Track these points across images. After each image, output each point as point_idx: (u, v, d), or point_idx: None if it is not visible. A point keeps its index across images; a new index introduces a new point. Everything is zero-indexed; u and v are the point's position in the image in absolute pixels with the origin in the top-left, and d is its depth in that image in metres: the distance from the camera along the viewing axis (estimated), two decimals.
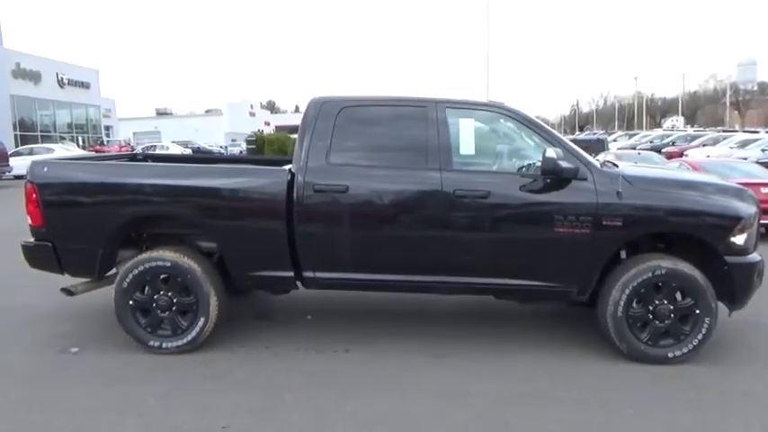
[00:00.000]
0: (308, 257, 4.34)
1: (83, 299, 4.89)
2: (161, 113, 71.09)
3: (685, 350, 4.20)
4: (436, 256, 4.27)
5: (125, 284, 4.35)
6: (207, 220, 4.34)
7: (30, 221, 4.45)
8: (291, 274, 4.38)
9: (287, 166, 4.43)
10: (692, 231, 4.23)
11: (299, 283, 4.50)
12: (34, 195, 4.35)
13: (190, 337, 4.38)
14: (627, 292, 4.17)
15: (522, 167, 4.40)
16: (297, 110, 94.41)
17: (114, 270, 4.69)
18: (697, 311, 4.16)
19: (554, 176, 4.07)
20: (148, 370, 4.13)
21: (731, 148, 21.97)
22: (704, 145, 25.82)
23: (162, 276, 4.36)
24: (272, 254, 4.36)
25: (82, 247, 4.41)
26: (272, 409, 3.60)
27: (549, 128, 4.39)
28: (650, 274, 4.16)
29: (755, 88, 71.63)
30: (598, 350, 4.45)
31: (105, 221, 4.35)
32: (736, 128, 43.54)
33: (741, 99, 68.27)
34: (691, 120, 71.69)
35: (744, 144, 21.75)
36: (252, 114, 66.94)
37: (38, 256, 4.48)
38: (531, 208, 4.21)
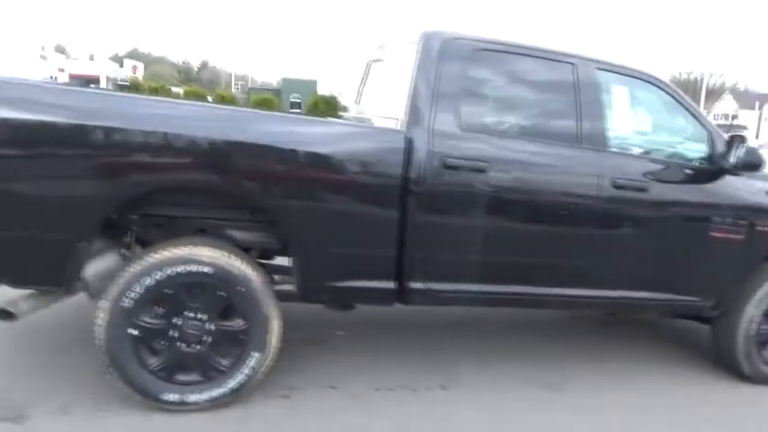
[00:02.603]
0: (421, 262, 3.00)
1: (26, 324, 2.86)
2: None
3: None
4: (580, 264, 3.27)
5: (126, 302, 2.57)
6: (276, 199, 2.74)
7: None
8: (394, 284, 3.00)
9: (394, 126, 3.01)
10: None
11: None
12: None
13: (234, 384, 2.77)
14: (763, 307, 3.64)
15: (683, 155, 3.56)
16: (91, 58, 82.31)
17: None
18: None
19: (749, 170, 3.35)
20: None
21: None
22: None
23: (191, 289, 2.68)
24: (372, 255, 2.93)
25: (47, 237, 2.49)
26: None
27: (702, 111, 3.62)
28: None
29: None
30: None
31: (102, 192, 2.51)
32: None
33: None
34: None
35: None
36: (43, 57, 56.30)
37: None
38: (693, 206, 3.43)
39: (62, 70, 53.26)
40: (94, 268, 2.71)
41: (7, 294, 2.61)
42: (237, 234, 2.96)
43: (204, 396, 2.74)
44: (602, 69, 3.33)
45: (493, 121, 3.19)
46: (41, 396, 2.77)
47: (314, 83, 29.98)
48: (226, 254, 2.71)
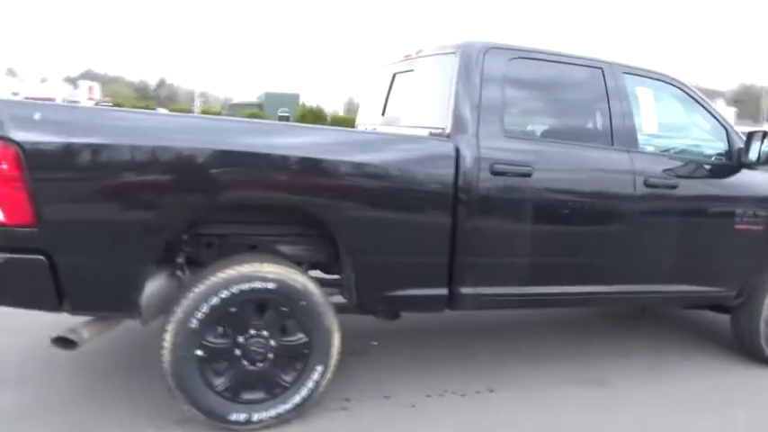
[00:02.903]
0: (471, 267, 3.05)
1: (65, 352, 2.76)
2: None
3: None
4: (622, 261, 3.38)
5: (193, 323, 2.54)
6: (337, 212, 2.76)
7: None
8: (446, 291, 3.04)
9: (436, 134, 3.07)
10: None
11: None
12: (15, 169, 2.25)
13: (298, 399, 2.76)
14: None
15: (704, 152, 3.73)
16: (43, 81, 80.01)
17: None
18: None
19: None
20: None
21: None
22: None
23: (254, 305, 2.67)
24: (427, 263, 2.97)
25: (115, 261, 2.45)
26: None
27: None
28: None
29: None
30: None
31: (170, 213, 2.49)
32: None
33: None
34: None
35: None
36: None
37: (13, 279, 2.36)
38: (718, 200, 3.62)
39: (16, 94, 51.61)
40: (148, 291, 2.67)
41: (68, 322, 2.55)
42: (288, 249, 2.96)
43: (271, 413, 2.72)
44: (627, 73, 3.47)
45: (533, 126, 3.29)
46: (99, 419, 2.70)
47: (296, 96, 29.91)
48: (288, 269, 2.71)
